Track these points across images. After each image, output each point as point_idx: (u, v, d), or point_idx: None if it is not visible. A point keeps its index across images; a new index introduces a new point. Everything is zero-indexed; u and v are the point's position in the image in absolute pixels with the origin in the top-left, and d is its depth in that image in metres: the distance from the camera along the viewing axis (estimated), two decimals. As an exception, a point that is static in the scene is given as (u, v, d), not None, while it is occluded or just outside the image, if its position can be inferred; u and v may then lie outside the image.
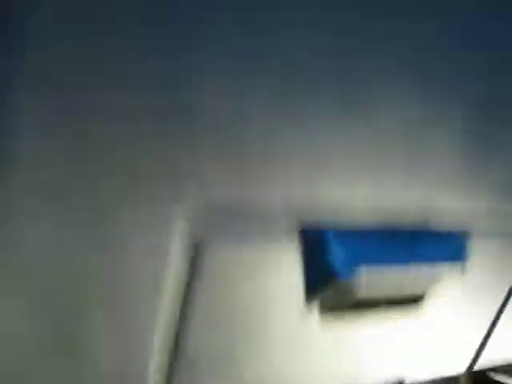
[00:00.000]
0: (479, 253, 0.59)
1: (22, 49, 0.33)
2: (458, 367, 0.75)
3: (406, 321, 0.59)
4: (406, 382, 0.69)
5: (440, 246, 0.51)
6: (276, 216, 0.45)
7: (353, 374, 0.62)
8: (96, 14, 0.34)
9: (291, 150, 0.42)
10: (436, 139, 0.49)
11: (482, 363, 0.79)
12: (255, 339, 0.50)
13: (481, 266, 0.61)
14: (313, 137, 0.43)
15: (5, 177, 0.35)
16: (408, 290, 0.54)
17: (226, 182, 0.41)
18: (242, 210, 0.43)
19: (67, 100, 0.35)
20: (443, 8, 0.44)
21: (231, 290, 0.47)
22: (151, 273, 0.42)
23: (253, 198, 0.43)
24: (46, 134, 0.35)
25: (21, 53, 0.33)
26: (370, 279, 0.48)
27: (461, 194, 0.53)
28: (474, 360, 0.73)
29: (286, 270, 0.48)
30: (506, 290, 0.67)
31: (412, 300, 0.57)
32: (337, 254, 0.46)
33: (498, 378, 1.01)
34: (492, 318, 0.70)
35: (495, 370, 1.00)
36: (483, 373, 0.98)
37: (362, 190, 0.47)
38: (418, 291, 0.56)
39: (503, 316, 0.70)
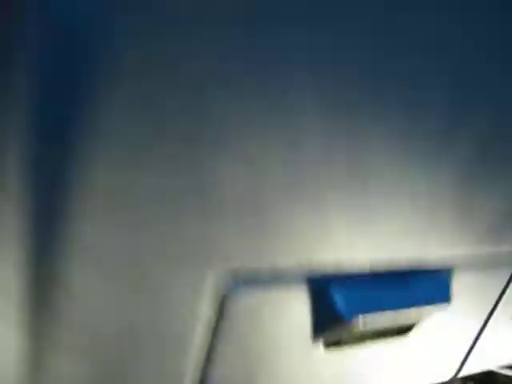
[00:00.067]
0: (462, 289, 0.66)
1: None
2: (446, 374, 0.83)
3: (398, 346, 0.68)
4: None
5: (427, 288, 0.59)
6: (289, 271, 0.52)
7: None
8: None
9: (301, 220, 0.49)
10: (427, 191, 0.55)
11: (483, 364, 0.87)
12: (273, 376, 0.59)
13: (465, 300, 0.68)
14: (320, 210, 0.50)
15: None
16: (400, 323, 0.62)
17: (247, 246, 0.49)
18: (260, 267, 0.51)
19: None
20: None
21: (251, 335, 0.54)
22: (182, 324, 0.50)
23: (269, 257, 0.50)
24: None
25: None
26: (368, 321, 0.56)
27: (447, 238, 0.59)
28: (461, 366, 0.81)
29: (297, 316, 0.55)
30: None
31: (403, 330, 0.65)
32: (340, 301, 0.54)
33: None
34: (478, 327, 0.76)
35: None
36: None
37: (360, 240, 0.54)
38: (408, 323, 0.64)
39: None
